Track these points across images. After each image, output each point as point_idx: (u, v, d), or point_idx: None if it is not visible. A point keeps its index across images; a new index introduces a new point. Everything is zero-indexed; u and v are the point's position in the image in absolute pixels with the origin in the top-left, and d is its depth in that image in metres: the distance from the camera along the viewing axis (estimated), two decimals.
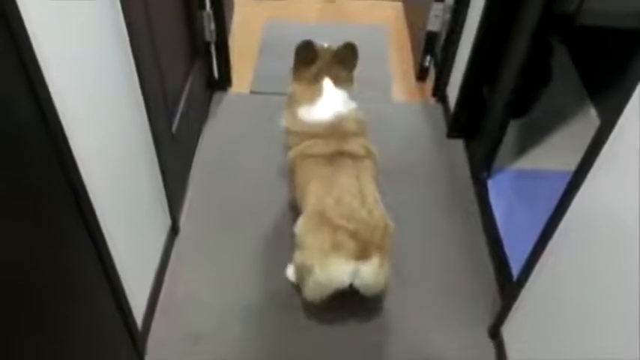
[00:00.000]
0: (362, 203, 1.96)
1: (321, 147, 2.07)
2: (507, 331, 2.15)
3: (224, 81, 3.31)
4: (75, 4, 1.46)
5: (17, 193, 1.23)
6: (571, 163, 1.68)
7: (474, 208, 2.74)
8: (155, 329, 2.21)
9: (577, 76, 3.42)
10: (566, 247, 1.73)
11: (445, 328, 2.29)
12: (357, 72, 2.27)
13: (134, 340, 2.02)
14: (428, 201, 2.78)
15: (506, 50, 2.53)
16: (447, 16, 3.07)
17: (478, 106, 2.86)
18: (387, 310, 2.33)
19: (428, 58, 3.42)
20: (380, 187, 2.13)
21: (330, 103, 2.12)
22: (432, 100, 3.38)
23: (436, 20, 3.17)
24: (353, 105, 2.17)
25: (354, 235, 1.90)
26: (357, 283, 1.97)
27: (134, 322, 1.99)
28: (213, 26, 2.97)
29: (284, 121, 2.22)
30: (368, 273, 1.94)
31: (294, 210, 2.32)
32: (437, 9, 3.12)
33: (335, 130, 2.08)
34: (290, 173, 2.21)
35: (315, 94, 2.13)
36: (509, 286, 2.19)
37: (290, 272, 2.31)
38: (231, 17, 3.70)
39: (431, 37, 3.29)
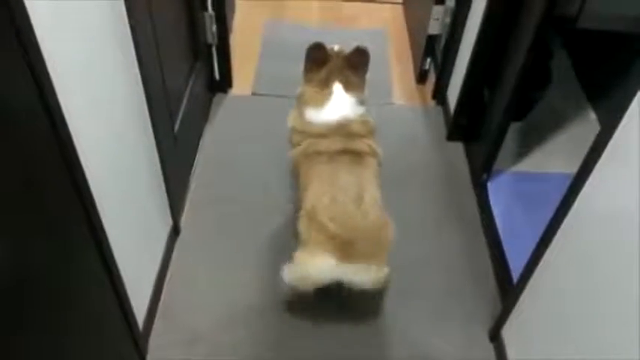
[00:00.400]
0: (358, 205, 1.95)
1: (325, 145, 2.06)
2: (507, 334, 2.16)
3: (225, 82, 3.32)
4: (81, 5, 1.47)
5: (21, 192, 1.23)
6: (571, 166, 1.69)
7: (474, 210, 2.75)
8: (156, 330, 2.22)
9: (576, 79, 3.44)
10: (567, 250, 1.74)
11: (445, 331, 2.29)
12: None
13: (136, 340, 2.03)
14: (428, 203, 2.79)
15: (506, 53, 2.54)
16: (448, 20, 3.08)
17: (478, 108, 2.87)
18: (387, 313, 2.33)
19: (428, 61, 3.43)
20: (381, 188, 2.13)
21: (338, 106, 2.12)
22: (432, 103, 3.39)
23: (436, 23, 3.18)
24: (361, 110, 2.16)
25: (338, 237, 1.89)
26: (345, 282, 1.98)
27: (136, 323, 2.00)
28: (214, 28, 2.98)
29: (291, 121, 2.22)
30: (353, 273, 1.95)
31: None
32: (437, 12, 3.13)
33: (341, 130, 2.08)
34: (294, 172, 2.21)
35: (324, 97, 2.12)
36: (509, 289, 2.19)
37: (285, 273, 2.30)
38: (232, 19, 3.71)
39: (431, 40, 3.31)
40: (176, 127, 2.45)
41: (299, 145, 2.15)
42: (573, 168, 1.66)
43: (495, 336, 2.22)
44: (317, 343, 2.23)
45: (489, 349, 2.23)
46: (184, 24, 2.65)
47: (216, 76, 3.25)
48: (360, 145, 2.09)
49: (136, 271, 2.02)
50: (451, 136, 3.12)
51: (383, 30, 3.96)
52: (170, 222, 2.48)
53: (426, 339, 2.26)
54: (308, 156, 2.09)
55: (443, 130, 3.18)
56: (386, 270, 2.01)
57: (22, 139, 1.22)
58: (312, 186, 2.03)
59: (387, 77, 3.54)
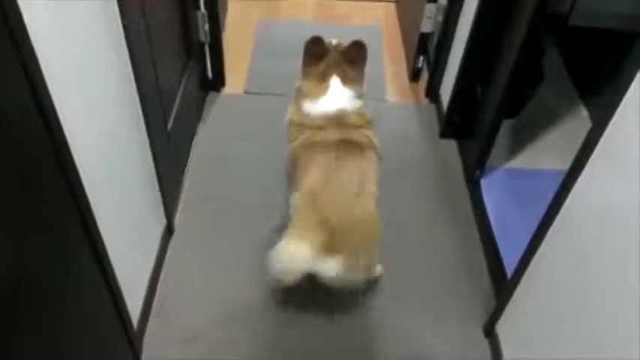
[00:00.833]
0: (357, 195, 1.96)
1: (322, 136, 2.07)
2: (502, 329, 2.17)
3: (218, 81, 3.32)
4: (73, 5, 1.47)
5: (15, 192, 1.23)
6: (563, 163, 1.70)
7: (467, 207, 2.77)
8: (151, 328, 2.22)
9: (568, 76, 3.45)
10: (559, 245, 1.75)
11: (439, 327, 2.30)
12: None
13: (130, 339, 2.03)
14: (421, 201, 2.80)
15: (498, 50, 2.56)
16: (440, 17, 3.09)
17: (471, 106, 2.88)
18: (382, 309, 2.34)
19: (421, 58, 3.44)
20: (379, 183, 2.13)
21: (334, 99, 2.12)
22: (425, 101, 3.40)
23: (429, 21, 3.19)
24: (359, 103, 2.16)
25: (328, 227, 1.89)
26: (321, 274, 1.97)
27: (130, 322, 2.00)
28: (207, 26, 2.98)
29: (288, 114, 2.22)
30: (330, 268, 1.94)
31: None
32: (430, 10, 3.14)
33: (338, 121, 2.09)
34: (290, 165, 2.20)
35: (321, 90, 2.12)
36: (503, 285, 2.21)
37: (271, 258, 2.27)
38: (224, 17, 3.70)
39: (424, 38, 3.32)
40: (169, 125, 2.45)
41: (296, 138, 2.15)
42: (565, 165, 1.67)
43: (490, 331, 2.23)
44: (313, 340, 2.23)
45: (484, 344, 2.25)
46: (177, 23, 2.65)
47: (209, 74, 3.25)
48: (358, 135, 2.09)
49: (130, 270, 2.01)
50: (444, 134, 3.13)
51: (376, 28, 3.97)
52: (164, 221, 2.48)
53: (420, 335, 2.27)
54: (306, 147, 2.09)
55: (436, 128, 3.19)
56: (378, 268, 2.01)
57: (16, 139, 1.22)
58: (311, 172, 2.02)
59: (380, 75, 3.55)
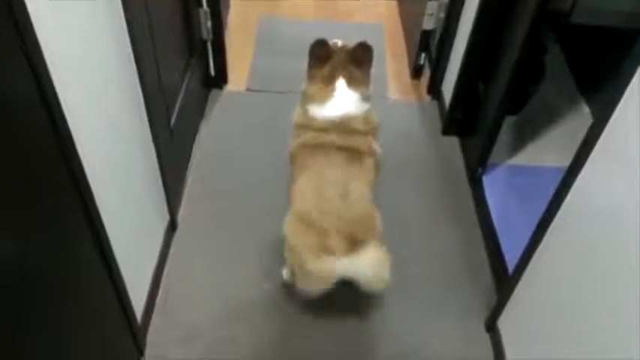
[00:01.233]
0: (344, 198, 1.95)
1: (324, 139, 2.06)
2: (504, 324, 2.18)
3: (220, 78, 3.33)
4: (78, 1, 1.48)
5: (20, 185, 1.24)
6: (565, 160, 1.71)
7: (470, 204, 2.78)
8: (154, 325, 2.23)
9: (570, 73, 3.46)
10: (560, 241, 1.76)
11: (441, 322, 2.32)
12: None
13: (134, 334, 2.04)
14: (424, 197, 2.81)
15: (500, 48, 2.56)
16: (442, 14, 3.10)
17: (473, 103, 2.89)
18: (384, 306, 2.35)
19: (423, 55, 3.45)
20: (376, 186, 2.13)
21: (340, 103, 2.10)
22: (427, 98, 3.41)
23: (431, 18, 3.20)
24: (365, 107, 2.14)
25: (338, 232, 1.90)
26: (357, 277, 1.96)
27: (134, 317, 2.01)
28: (209, 24, 2.99)
29: (294, 117, 2.21)
30: (365, 265, 1.93)
31: None
32: (432, 7, 3.14)
33: (342, 126, 2.07)
34: (289, 162, 2.20)
35: (327, 93, 2.10)
36: (504, 280, 2.22)
37: (285, 273, 2.33)
38: (226, 15, 3.72)
39: (426, 35, 3.32)
40: (172, 121, 2.46)
41: (299, 138, 2.14)
42: (567, 161, 1.68)
43: (491, 327, 2.24)
44: (315, 337, 2.24)
45: (486, 339, 2.26)
46: (179, 20, 2.66)
47: (212, 72, 3.26)
48: (360, 143, 2.08)
49: (134, 265, 2.03)
50: (446, 131, 3.14)
51: (378, 25, 3.98)
52: (167, 217, 2.49)
53: (422, 331, 2.29)
54: (305, 147, 2.09)
55: (438, 125, 3.20)
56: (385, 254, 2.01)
57: (20, 130, 1.23)
58: (300, 181, 2.04)
59: (382, 72, 3.55)
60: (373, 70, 2.20)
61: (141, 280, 2.17)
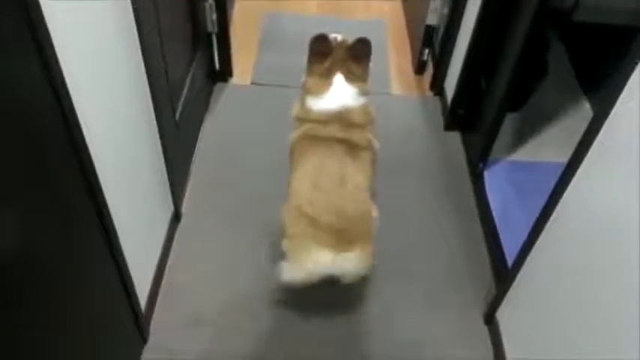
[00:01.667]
0: (340, 190, 1.97)
1: (321, 131, 2.08)
2: (502, 317, 2.21)
3: (225, 72, 3.35)
4: None
5: (30, 175, 1.27)
6: (565, 156, 1.73)
7: (471, 198, 2.80)
8: (158, 314, 2.26)
9: (572, 70, 3.48)
10: (558, 235, 1.79)
11: (441, 315, 2.35)
12: None
13: (138, 323, 2.07)
14: (425, 192, 2.83)
15: (503, 44, 2.58)
16: (446, 10, 3.11)
17: (475, 99, 2.91)
18: (384, 298, 2.38)
19: (426, 51, 3.46)
20: (376, 180, 2.16)
21: (338, 96, 2.12)
22: (430, 94, 3.43)
23: (434, 14, 3.21)
24: (362, 100, 2.16)
25: (330, 226, 1.91)
26: (338, 272, 2.00)
27: (138, 304, 2.04)
28: (214, 17, 3.01)
29: (293, 110, 2.23)
30: (349, 262, 1.96)
31: None
32: (435, 3, 3.16)
33: (338, 119, 2.10)
34: (289, 156, 2.23)
35: (325, 87, 2.13)
36: (503, 273, 2.24)
37: (284, 272, 2.24)
38: (232, 9, 3.74)
39: (429, 30, 3.34)
40: (177, 114, 2.49)
41: (297, 131, 2.16)
42: (567, 157, 1.70)
43: (490, 319, 2.27)
44: (316, 327, 2.28)
45: (484, 332, 2.29)
46: (185, 12, 2.68)
47: (217, 65, 3.28)
48: (357, 136, 2.10)
49: (139, 255, 2.05)
50: (448, 126, 3.16)
51: (381, 21, 3.99)
52: (171, 208, 2.52)
53: (421, 324, 2.32)
54: (303, 139, 2.11)
55: (440, 120, 3.22)
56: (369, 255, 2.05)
57: (31, 122, 1.26)
58: (298, 172, 2.06)
59: (385, 68, 3.58)
60: (372, 65, 2.21)
61: (145, 269, 2.20)
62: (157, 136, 2.20)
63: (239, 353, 2.20)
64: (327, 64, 2.15)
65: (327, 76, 2.14)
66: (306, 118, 2.15)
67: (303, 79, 2.22)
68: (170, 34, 2.29)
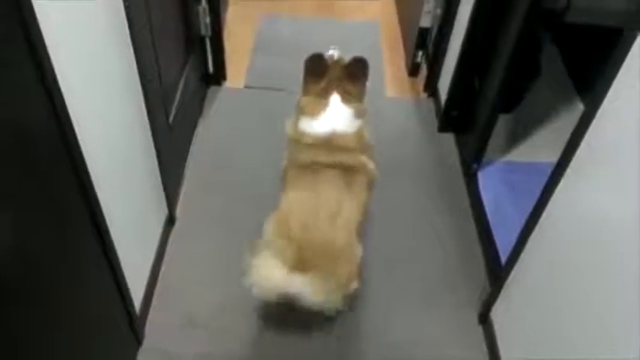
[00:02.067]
0: (330, 222, 1.93)
1: (314, 156, 2.03)
2: (496, 317, 2.22)
3: (219, 75, 3.36)
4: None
5: (24, 178, 1.28)
6: (558, 156, 1.74)
7: (465, 199, 2.81)
8: (152, 316, 2.26)
9: (565, 71, 3.49)
10: (549, 234, 1.80)
11: (435, 315, 2.35)
12: None
13: (132, 325, 2.07)
14: (419, 193, 2.84)
15: (496, 45, 2.59)
16: (439, 12, 3.12)
17: (469, 100, 2.92)
18: (379, 299, 2.39)
19: (420, 53, 3.47)
20: (369, 203, 2.12)
21: (332, 118, 2.08)
22: (424, 95, 3.43)
23: (428, 16, 3.22)
24: (357, 123, 2.10)
25: (299, 247, 1.88)
26: (292, 293, 1.93)
27: (133, 306, 2.04)
28: (208, 20, 3.01)
29: (287, 128, 2.19)
30: (301, 285, 1.89)
31: None
32: (429, 5, 3.17)
33: (332, 143, 2.04)
34: (283, 177, 2.18)
35: (320, 108, 2.08)
36: (497, 273, 2.25)
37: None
38: (225, 12, 3.74)
39: (423, 32, 3.34)
40: (171, 117, 2.49)
41: (291, 154, 2.12)
42: None
43: (484, 319, 2.28)
44: (311, 328, 2.28)
45: (479, 331, 2.29)
46: (178, 15, 2.69)
47: (210, 68, 3.29)
48: (351, 159, 2.04)
49: (133, 258, 2.05)
50: (442, 128, 3.17)
51: (375, 23, 4.00)
52: (165, 211, 2.52)
53: (416, 324, 2.32)
54: (294, 168, 2.07)
55: (434, 122, 3.23)
56: (354, 285, 2.01)
57: (24, 125, 1.26)
58: (291, 193, 2.03)
59: (379, 70, 3.58)
60: (369, 84, 2.17)
61: (140, 272, 2.20)
62: (151, 139, 2.20)
63: (234, 354, 2.20)
64: (322, 83, 2.09)
65: (323, 95, 2.09)
66: (298, 140, 2.09)
67: (298, 98, 2.17)
68: (162, 33, 2.28)
